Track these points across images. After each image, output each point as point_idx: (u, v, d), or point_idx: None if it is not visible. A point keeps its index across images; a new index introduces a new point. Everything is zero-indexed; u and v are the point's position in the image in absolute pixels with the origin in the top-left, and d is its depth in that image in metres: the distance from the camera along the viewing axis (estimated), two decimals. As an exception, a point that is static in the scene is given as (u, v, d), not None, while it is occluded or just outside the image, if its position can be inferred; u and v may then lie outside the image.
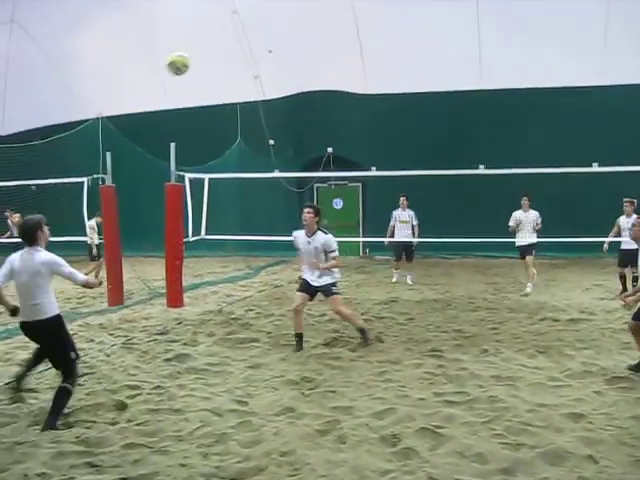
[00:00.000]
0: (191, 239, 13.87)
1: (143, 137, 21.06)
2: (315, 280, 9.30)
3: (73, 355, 6.51)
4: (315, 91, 22.17)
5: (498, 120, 20.83)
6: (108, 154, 13.90)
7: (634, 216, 12.32)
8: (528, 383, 7.40)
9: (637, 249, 12.92)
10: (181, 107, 23.09)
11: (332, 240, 9.23)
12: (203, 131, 22.59)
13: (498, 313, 11.94)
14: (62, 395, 6.30)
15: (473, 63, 20.52)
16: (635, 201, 13.33)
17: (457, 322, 11.13)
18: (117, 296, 13.41)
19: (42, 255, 6.35)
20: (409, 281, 16.11)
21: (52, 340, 6.48)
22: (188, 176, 13.90)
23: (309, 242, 9.29)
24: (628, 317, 10.86)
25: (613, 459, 5.26)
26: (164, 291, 13.53)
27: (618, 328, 10.31)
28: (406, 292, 14.73)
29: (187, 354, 8.97)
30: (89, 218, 16.19)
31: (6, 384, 7.28)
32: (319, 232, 9.27)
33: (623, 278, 13.60)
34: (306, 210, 9.34)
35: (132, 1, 22.29)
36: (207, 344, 9.65)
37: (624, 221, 13.24)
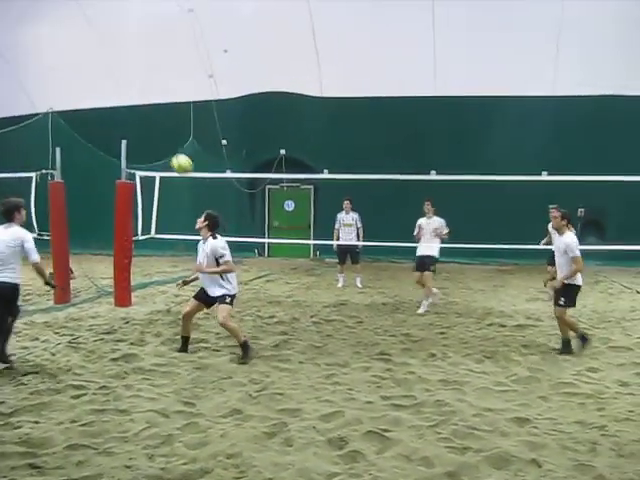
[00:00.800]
0: (141, 238, 13.70)
1: (94, 133, 20.75)
2: (210, 290, 9.21)
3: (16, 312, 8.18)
4: (270, 92, 22.11)
5: (451, 127, 21.02)
6: (57, 149, 13.67)
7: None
8: (475, 387, 7.47)
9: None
10: (134, 104, 22.80)
11: (219, 246, 9.12)
12: (155, 129, 22.35)
13: (446, 318, 12.04)
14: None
15: (428, 69, 20.66)
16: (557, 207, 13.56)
17: (405, 326, 11.19)
18: (64, 294, 13.18)
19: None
20: (358, 284, 16.11)
21: None
22: (139, 174, 13.75)
23: (203, 248, 9.25)
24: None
25: (556, 463, 5.34)
26: (112, 290, 13.35)
27: (563, 334, 10.47)
28: (355, 295, 14.76)
29: (134, 354, 8.86)
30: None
31: None
32: (210, 238, 9.22)
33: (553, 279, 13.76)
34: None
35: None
36: (155, 344, 9.55)
37: (552, 228, 13.43)
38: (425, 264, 12.95)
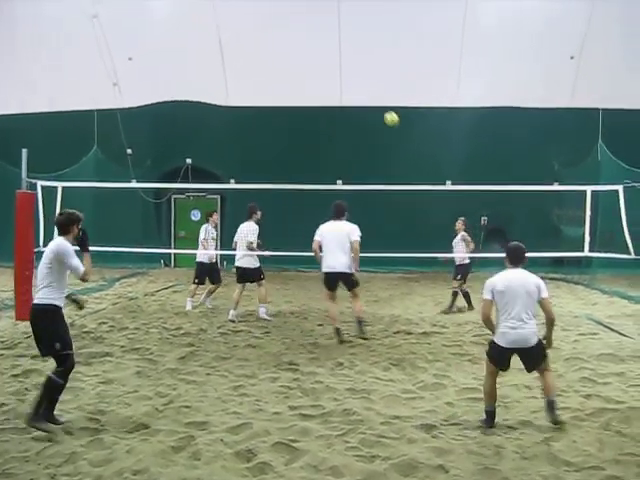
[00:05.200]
0: (42, 249, 13.33)
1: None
2: None
3: (58, 346, 6.47)
4: (176, 101, 21.93)
5: (356, 137, 21.29)
6: (-46, 158, 13.22)
7: (461, 233, 13.66)
8: (382, 395, 7.52)
9: (462, 264, 13.86)
10: (35, 112, 22.21)
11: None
12: (58, 137, 21.83)
13: (353, 326, 12.08)
14: (45, 384, 6.46)
15: (333, 80, 20.85)
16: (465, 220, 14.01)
17: (313, 335, 11.21)
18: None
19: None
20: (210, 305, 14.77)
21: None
22: (40, 184, 13.40)
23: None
24: (478, 330, 11.34)
25: (462, 468, 5.42)
26: (12, 303, 12.94)
27: (468, 341, 10.70)
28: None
29: (36, 369, 8.57)
30: None
31: None
32: None
33: (455, 293, 14.13)
34: None
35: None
36: (57, 359, 9.28)
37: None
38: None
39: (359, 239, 10.87)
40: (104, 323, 12.19)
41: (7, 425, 6.41)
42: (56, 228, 6.82)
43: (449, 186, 14.49)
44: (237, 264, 13.06)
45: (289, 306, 14.68)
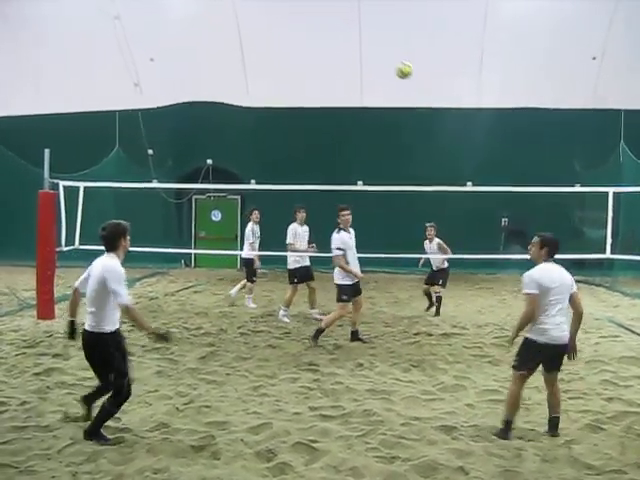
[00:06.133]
0: (64, 249, 13.42)
1: (16, 142, 20.32)
2: None
3: (112, 377, 6.06)
4: (196, 102, 21.96)
5: (377, 138, 21.24)
6: (-21, 158, 13.34)
7: (435, 240, 13.50)
8: (402, 397, 7.52)
9: (442, 269, 13.82)
10: (58, 112, 22.34)
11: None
12: (80, 138, 21.91)
13: (374, 327, 12.09)
14: (100, 411, 6.15)
15: (354, 81, 20.83)
16: (435, 226, 13.91)
17: (333, 336, 11.19)
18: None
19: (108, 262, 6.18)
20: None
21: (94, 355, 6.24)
22: (62, 184, 13.48)
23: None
24: (499, 332, 11.29)
25: (483, 470, 5.41)
26: (34, 302, 13.03)
27: (488, 342, 10.65)
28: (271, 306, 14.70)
29: (57, 368, 8.66)
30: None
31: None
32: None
33: (429, 295, 14.09)
34: None
35: (7, 3, 21.54)
36: (79, 358, 9.28)
37: (427, 246, 13.88)
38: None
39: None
40: (125, 322, 12.18)
41: (29, 423, 6.47)
42: (103, 245, 6.29)
43: (470, 187, 14.43)
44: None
45: (308, 307, 14.66)
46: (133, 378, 6.34)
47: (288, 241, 13.05)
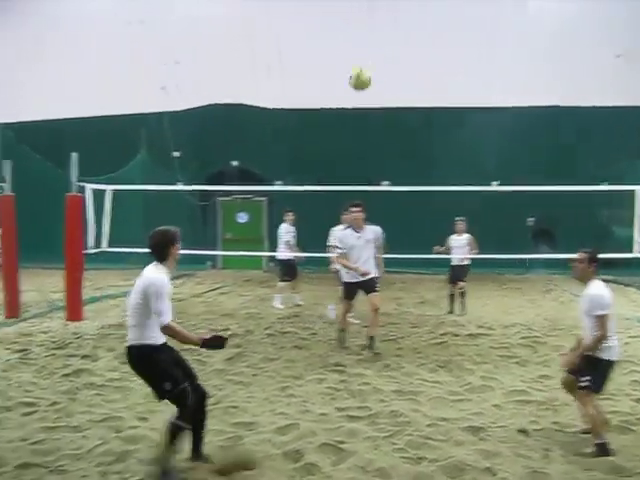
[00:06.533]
0: (92, 251, 13.53)
1: (44, 146, 20.53)
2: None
3: (168, 386, 5.34)
4: (222, 104, 22.07)
5: (402, 138, 21.21)
6: (7, 162, 13.45)
7: (465, 234, 13.55)
8: (429, 397, 7.50)
9: (465, 265, 13.79)
10: (85, 116, 22.55)
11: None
12: (107, 141, 22.14)
13: (400, 328, 12.07)
14: (167, 431, 5.33)
15: (379, 81, 20.73)
16: (465, 220, 13.99)
17: (359, 337, 11.18)
18: (13, 309, 12.95)
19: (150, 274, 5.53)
20: (299, 302, 15.13)
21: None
22: (89, 187, 13.59)
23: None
24: (526, 332, 11.22)
25: (510, 471, 5.39)
26: (63, 304, 13.15)
27: (516, 343, 10.59)
28: (309, 307, 14.71)
29: (86, 369, 8.73)
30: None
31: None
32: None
33: (453, 296, 14.17)
34: None
35: (35, 6, 21.76)
36: (107, 359, 9.41)
37: (455, 239, 13.90)
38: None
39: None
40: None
41: (59, 423, 6.53)
42: (152, 255, 5.73)
43: (495, 187, 14.37)
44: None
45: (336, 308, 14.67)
46: (204, 388, 5.72)
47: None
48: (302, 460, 5.66)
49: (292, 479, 5.33)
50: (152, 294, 5.33)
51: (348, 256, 10.19)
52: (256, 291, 17.55)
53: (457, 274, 13.98)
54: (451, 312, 13.97)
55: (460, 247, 13.80)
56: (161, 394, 5.42)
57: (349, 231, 10.24)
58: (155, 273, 5.53)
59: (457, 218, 13.98)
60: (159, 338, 5.47)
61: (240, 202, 23.86)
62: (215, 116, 22.31)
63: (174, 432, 5.27)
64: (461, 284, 13.94)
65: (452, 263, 14.08)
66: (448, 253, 13.95)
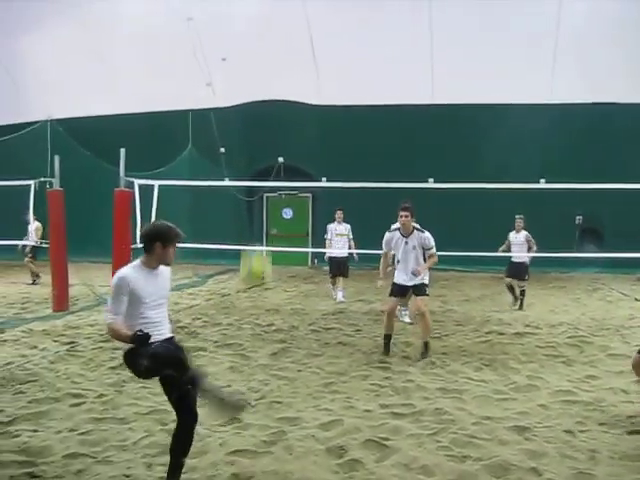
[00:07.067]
0: (139, 246, 13.67)
1: (93, 141, 20.77)
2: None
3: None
4: (268, 100, 22.13)
5: (449, 135, 21.06)
6: (56, 157, 13.67)
7: (523, 232, 13.80)
8: (474, 396, 7.45)
9: (522, 262, 13.77)
10: (132, 112, 22.82)
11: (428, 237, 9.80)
12: (154, 137, 22.39)
13: (445, 325, 12.02)
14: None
15: (425, 78, 20.71)
16: (524, 218, 14.23)
17: (404, 334, 11.17)
18: (62, 302, 13.18)
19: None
20: (341, 298, 15.27)
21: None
22: (137, 182, 13.75)
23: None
24: (572, 332, 11.10)
25: (556, 472, 5.33)
26: (110, 297, 13.33)
27: (562, 342, 10.47)
28: (353, 303, 14.72)
29: (133, 362, 8.84)
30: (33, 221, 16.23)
31: None
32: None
33: (512, 288, 14.47)
34: None
35: (85, 4, 22.03)
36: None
37: (513, 236, 14.18)
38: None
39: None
40: (198, 319, 12.45)
41: (106, 415, 6.63)
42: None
43: (543, 184, 14.20)
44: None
45: (380, 304, 14.65)
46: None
47: None
48: (346, 456, 5.67)
49: (336, 475, 5.33)
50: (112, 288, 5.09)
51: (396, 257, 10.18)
52: (301, 287, 17.61)
53: (514, 271, 14.28)
54: (515, 301, 14.37)
55: (518, 244, 14.08)
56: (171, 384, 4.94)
57: (394, 233, 10.04)
58: (125, 268, 5.30)
59: (516, 216, 14.22)
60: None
61: (285, 198, 23.96)
62: (261, 112, 22.39)
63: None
64: (521, 283, 14.26)
65: (511, 259, 14.38)
66: (509, 250, 14.21)
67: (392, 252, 10.09)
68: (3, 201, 18.13)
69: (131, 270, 5.21)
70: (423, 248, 9.64)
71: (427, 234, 9.67)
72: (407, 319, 12.53)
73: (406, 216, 9.60)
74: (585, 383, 8.03)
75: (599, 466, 5.47)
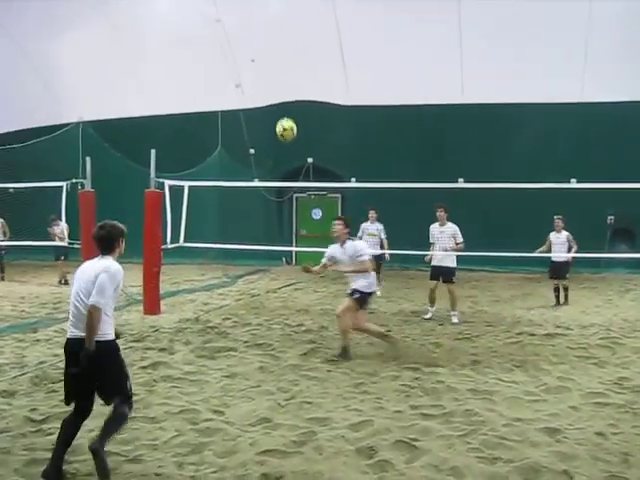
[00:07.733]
0: (169, 246, 13.78)
1: (124, 143, 20.96)
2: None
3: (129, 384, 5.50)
4: (297, 101, 22.13)
5: (478, 134, 20.96)
6: (88, 159, 13.80)
7: (564, 232, 14.03)
8: (504, 397, 7.41)
9: (564, 262, 13.71)
10: (162, 113, 22.98)
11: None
12: (184, 138, 22.54)
13: (475, 326, 11.96)
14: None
15: (454, 77, 20.61)
16: (563, 218, 14.51)
17: (434, 335, 11.14)
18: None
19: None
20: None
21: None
22: (168, 183, 13.84)
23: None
24: (604, 333, 11.00)
25: (588, 474, 5.28)
26: (141, 298, 13.44)
27: (593, 343, 10.38)
28: (383, 304, 14.69)
29: (163, 362, 8.91)
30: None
31: None
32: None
33: (558, 290, 14.72)
34: None
35: (115, 6, 22.21)
36: (183, 352, 9.59)
37: (554, 236, 14.43)
38: (443, 274, 12.89)
39: None
40: (228, 319, 12.50)
41: (137, 414, 6.65)
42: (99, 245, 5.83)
43: (574, 184, 14.09)
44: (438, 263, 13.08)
45: (410, 305, 14.63)
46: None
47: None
48: (376, 457, 5.66)
49: (365, 475, 5.33)
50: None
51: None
52: (330, 287, 17.61)
53: (555, 270, 14.55)
54: (558, 304, 14.55)
55: (559, 244, 14.32)
56: (120, 392, 5.41)
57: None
58: (115, 263, 5.73)
59: (555, 216, 14.47)
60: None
61: (315, 199, 23.97)
62: (290, 113, 22.26)
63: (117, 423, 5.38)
64: (563, 282, 14.55)
65: (552, 259, 14.60)
66: (549, 250, 14.40)
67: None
68: (36, 202, 18.32)
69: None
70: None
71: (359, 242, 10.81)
72: (455, 319, 12.51)
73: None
74: (617, 385, 7.95)
75: (632, 469, 5.41)
